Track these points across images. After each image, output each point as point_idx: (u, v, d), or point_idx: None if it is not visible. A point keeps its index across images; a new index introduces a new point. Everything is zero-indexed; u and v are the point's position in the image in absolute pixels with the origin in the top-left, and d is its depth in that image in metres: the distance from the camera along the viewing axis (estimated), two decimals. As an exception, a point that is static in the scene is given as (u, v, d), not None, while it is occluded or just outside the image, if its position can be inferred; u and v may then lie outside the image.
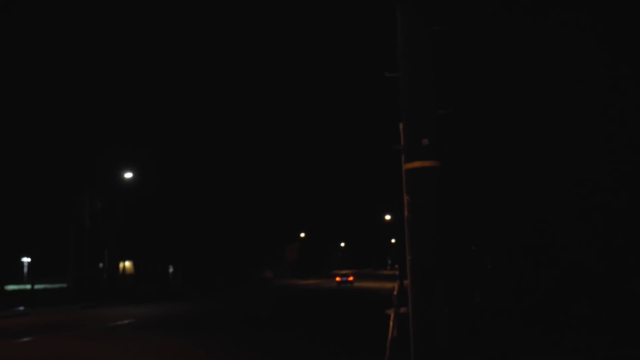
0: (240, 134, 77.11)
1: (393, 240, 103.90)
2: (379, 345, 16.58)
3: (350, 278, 77.29)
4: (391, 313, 23.05)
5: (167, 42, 72.97)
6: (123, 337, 20.94)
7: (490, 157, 22.63)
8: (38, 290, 41.21)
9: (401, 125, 7.42)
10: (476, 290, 25.09)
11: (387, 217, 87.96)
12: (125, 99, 52.08)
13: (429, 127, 7.08)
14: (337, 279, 78.62)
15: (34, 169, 44.04)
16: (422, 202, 7.08)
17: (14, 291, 42.18)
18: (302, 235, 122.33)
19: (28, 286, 43.47)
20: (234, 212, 74.34)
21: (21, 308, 34.86)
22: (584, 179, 19.62)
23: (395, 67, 7.46)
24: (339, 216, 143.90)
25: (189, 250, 67.48)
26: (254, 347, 17.80)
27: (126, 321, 26.38)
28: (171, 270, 71.78)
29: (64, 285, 47.36)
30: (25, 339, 20.37)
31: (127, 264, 63.99)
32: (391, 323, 19.53)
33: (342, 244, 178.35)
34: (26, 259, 65.07)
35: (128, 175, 48.25)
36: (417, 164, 7.10)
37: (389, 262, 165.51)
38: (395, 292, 33.31)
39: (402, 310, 17.39)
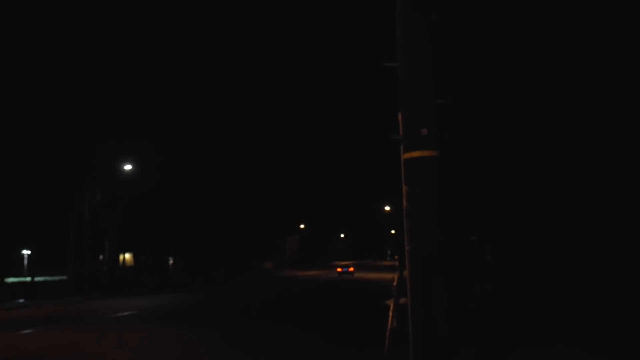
0: (240, 126, 77.03)
1: (393, 232, 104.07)
2: (378, 336, 16.62)
3: (351, 269, 78.64)
4: (391, 304, 23.09)
5: (169, 35, 72.75)
6: (124, 328, 20.96)
7: (491, 146, 22.61)
8: (38, 282, 41.26)
9: (400, 115, 7.38)
10: (476, 280, 25.11)
11: (387, 208, 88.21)
12: (127, 92, 52.01)
13: (428, 117, 7.04)
14: (338, 269, 79.99)
15: (35, 161, 43.99)
16: (421, 192, 7.05)
17: (14, 283, 42.22)
18: (302, 226, 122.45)
19: (28, 278, 43.54)
20: (234, 204, 74.38)
21: (21, 300, 34.92)
22: (584, 169, 19.61)
23: (395, 56, 7.42)
24: (338, 207, 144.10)
25: (189, 242, 67.53)
26: (254, 339, 17.83)
27: (127, 313, 26.42)
28: (171, 262, 71.85)
29: (64, 277, 47.41)
30: (26, 331, 20.40)
31: (128, 256, 64.04)
32: (390, 314, 19.58)
33: (342, 235, 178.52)
34: (26, 252, 65.15)
35: (128, 167, 48.21)
36: (416, 153, 7.06)
37: (389, 253, 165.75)
38: (394, 283, 33.36)
39: (402, 300, 17.41)
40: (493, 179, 23.15)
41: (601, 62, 19.03)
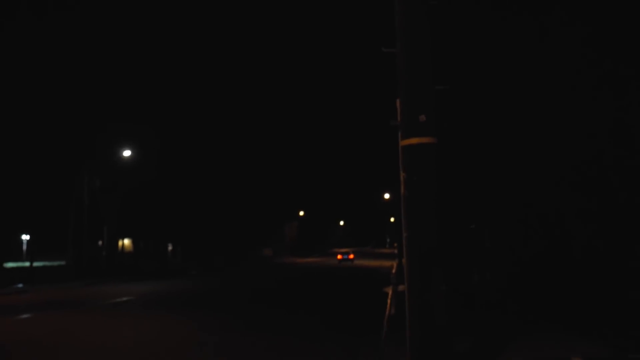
0: (240, 112, 76.93)
1: (392, 219, 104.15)
2: (377, 322, 16.64)
3: (351, 256, 79.43)
4: (389, 291, 23.12)
5: (170, 23, 72.49)
6: (123, 314, 20.98)
7: (490, 133, 22.57)
8: (37, 267, 41.27)
9: (398, 101, 7.34)
10: (475, 269, 25.13)
11: (387, 195, 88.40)
12: (127, 77, 51.89)
13: (426, 103, 7.01)
14: (339, 256, 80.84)
15: (34, 146, 43.94)
16: (419, 179, 7.03)
17: (13, 269, 42.26)
18: (302, 213, 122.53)
19: (27, 264, 43.51)
20: (234, 191, 74.41)
21: (20, 285, 34.95)
22: (584, 157, 19.60)
23: (393, 42, 7.37)
24: (338, 195, 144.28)
25: (189, 229, 67.58)
26: (252, 324, 17.85)
27: (125, 298, 26.44)
28: (170, 248, 71.92)
29: (63, 262, 47.45)
30: (25, 316, 20.43)
31: (127, 241, 64.09)
32: (389, 301, 19.59)
33: (342, 223, 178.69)
34: (25, 237, 65.25)
35: (127, 153, 48.10)
36: (414, 140, 7.03)
37: (388, 240, 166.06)
38: (393, 271, 33.41)
39: (401, 288, 17.42)
40: (492, 167, 23.13)
41: (602, 54, 18.99)
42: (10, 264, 45.99)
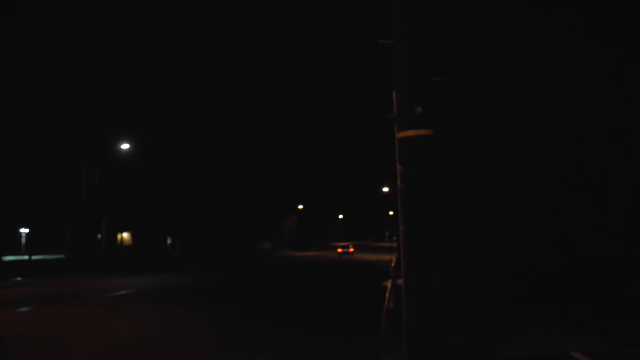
0: (239, 107, 76.87)
1: (391, 213, 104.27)
2: (375, 317, 16.62)
3: (351, 249, 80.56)
4: (388, 285, 23.10)
5: (172, 18, 72.35)
6: (122, 307, 20.95)
7: (488, 126, 22.52)
8: (36, 261, 41.25)
9: (394, 93, 7.28)
10: (473, 263, 25.10)
11: (385, 189, 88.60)
12: (127, 71, 51.88)
13: (423, 95, 6.95)
14: (339, 250, 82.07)
15: (33, 140, 43.93)
16: (415, 171, 6.97)
17: (11, 262, 42.24)
18: (301, 207, 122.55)
19: (26, 257, 43.54)
20: (233, 185, 74.42)
21: (19, 279, 34.92)
22: (583, 150, 19.57)
23: (390, 33, 7.31)
24: (337, 188, 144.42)
25: (188, 222, 67.59)
26: (251, 318, 17.83)
27: (124, 292, 26.42)
28: (169, 242, 71.93)
29: (62, 256, 47.45)
30: (23, 309, 20.40)
31: (126, 235, 64.07)
32: (387, 295, 19.58)
33: (341, 216, 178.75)
34: (24, 230, 65.21)
35: (126, 146, 48.01)
36: (410, 132, 6.97)
37: (387, 234, 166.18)
38: (392, 264, 33.39)
39: (399, 282, 17.39)
40: (491, 160, 23.07)
41: (603, 46, 18.95)
42: (9, 258, 45.96)
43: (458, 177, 23.47)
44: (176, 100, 60.12)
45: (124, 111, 50.10)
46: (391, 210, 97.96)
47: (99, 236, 53.32)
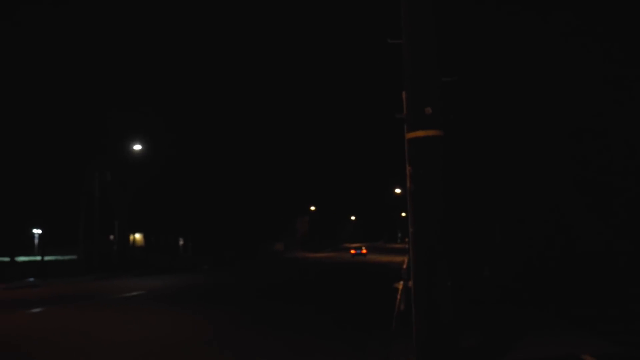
0: (252, 108, 76.98)
1: (403, 214, 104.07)
2: (386, 319, 16.56)
3: (364, 251, 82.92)
4: (399, 286, 23.04)
5: (182, 17, 72.56)
6: (133, 308, 20.98)
7: (499, 125, 22.40)
8: (48, 261, 41.44)
9: (404, 94, 7.23)
10: (485, 264, 24.98)
11: (397, 190, 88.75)
12: (139, 72, 52.10)
13: (432, 95, 6.89)
14: (352, 251, 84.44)
15: (45, 141, 44.13)
16: (425, 172, 6.92)
17: (24, 262, 42.47)
18: (313, 208, 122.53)
19: (38, 258, 43.79)
20: (245, 185, 74.53)
21: (31, 279, 35.09)
22: (589, 148, 19.43)
23: (399, 34, 7.26)
24: (349, 190, 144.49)
25: (200, 223, 67.71)
26: (263, 320, 17.80)
27: (136, 293, 26.46)
28: (181, 242, 72.07)
29: (75, 257, 47.63)
30: (36, 310, 20.47)
31: (138, 236, 64.27)
32: (398, 296, 19.52)
33: (353, 218, 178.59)
34: (37, 231, 65.54)
35: (138, 147, 48.12)
36: (419, 133, 6.92)
37: (399, 235, 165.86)
38: (404, 266, 33.32)
39: (411, 284, 17.34)
40: (503, 161, 22.95)
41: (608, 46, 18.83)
42: (21, 258, 46.20)
43: (470, 178, 23.36)
44: (188, 100, 60.39)
45: (136, 111, 50.30)
46: (403, 211, 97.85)
47: (111, 237, 53.48)
